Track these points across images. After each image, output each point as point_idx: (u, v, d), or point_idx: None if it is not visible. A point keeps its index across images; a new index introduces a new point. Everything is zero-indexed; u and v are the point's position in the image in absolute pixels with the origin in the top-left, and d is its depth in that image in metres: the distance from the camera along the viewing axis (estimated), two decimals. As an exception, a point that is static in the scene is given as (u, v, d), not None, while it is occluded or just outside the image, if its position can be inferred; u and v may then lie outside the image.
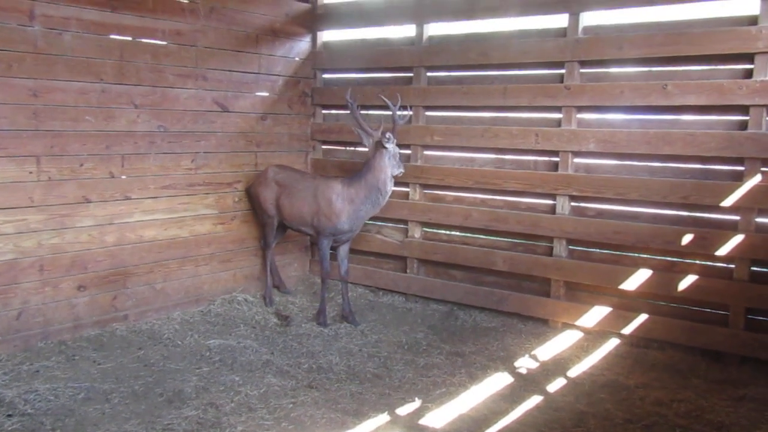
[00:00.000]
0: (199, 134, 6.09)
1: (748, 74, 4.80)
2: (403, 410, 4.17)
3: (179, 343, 5.27)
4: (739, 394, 4.36)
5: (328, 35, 7.10)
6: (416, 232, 6.55)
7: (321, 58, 7.04)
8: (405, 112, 5.89)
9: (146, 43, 5.65)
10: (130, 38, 5.53)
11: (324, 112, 7.18)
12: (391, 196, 6.61)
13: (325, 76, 7.13)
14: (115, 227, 5.52)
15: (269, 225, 6.24)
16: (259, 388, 4.42)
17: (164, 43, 5.77)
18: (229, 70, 6.28)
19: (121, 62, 5.44)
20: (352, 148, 6.99)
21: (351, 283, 6.52)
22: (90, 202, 5.35)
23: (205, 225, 6.22)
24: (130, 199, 5.61)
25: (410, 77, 6.46)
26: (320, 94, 7.10)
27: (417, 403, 4.27)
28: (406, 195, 6.57)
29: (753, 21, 4.74)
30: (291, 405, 4.19)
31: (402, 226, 6.66)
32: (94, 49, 5.27)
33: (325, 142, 7.19)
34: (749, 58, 4.77)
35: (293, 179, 6.08)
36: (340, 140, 7.04)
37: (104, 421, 3.92)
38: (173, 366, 4.80)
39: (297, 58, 6.93)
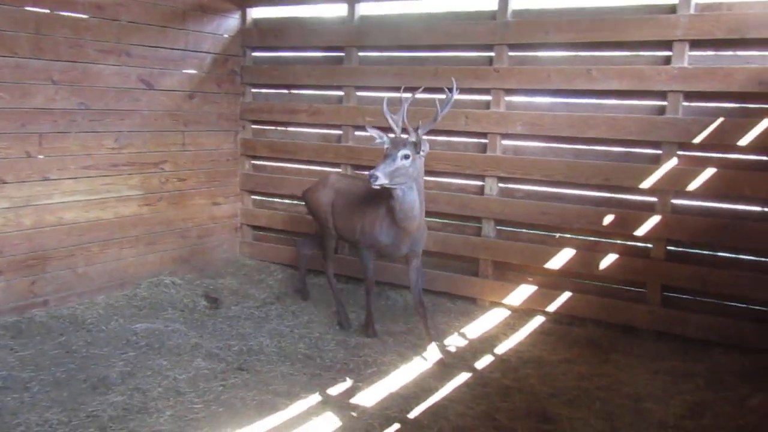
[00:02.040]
0: (122, 112, 5.88)
1: (667, 61, 4.98)
2: (335, 390, 4.19)
3: (103, 328, 5.12)
4: (655, 368, 4.57)
5: (258, 12, 6.95)
6: (347, 213, 6.54)
7: (251, 35, 6.90)
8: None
9: (65, 16, 5.40)
10: (47, 11, 5.27)
11: (254, 90, 7.05)
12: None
13: (255, 54, 7.00)
14: (32, 209, 5.29)
15: (328, 236, 5.55)
16: (188, 372, 4.36)
17: (85, 16, 5.52)
18: (155, 47, 6.08)
19: (37, 36, 5.19)
20: (283, 128, 6.91)
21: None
22: (5, 183, 5.10)
23: (130, 206, 6.04)
24: (49, 180, 5.38)
25: (341, 57, 6.41)
26: (250, 73, 6.97)
27: (348, 383, 4.30)
28: (337, 176, 6.55)
29: (672, 9, 4.91)
30: (221, 388, 4.15)
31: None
32: (6, 22, 4.99)
33: (255, 122, 7.07)
34: (668, 45, 4.95)
35: (352, 186, 5.42)
36: (270, 120, 6.94)
37: (23, 410, 3.78)
38: (97, 352, 4.67)
39: (226, 35, 6.77)
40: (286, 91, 6.90)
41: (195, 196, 6.66)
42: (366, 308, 5.25)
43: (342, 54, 6.40)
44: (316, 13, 6.64)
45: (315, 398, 4.06)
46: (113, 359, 4.54)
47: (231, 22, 6.80)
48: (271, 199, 7.11)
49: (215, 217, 6.90)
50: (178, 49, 6.29)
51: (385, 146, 4.58)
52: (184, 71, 6.43)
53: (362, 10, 6.29)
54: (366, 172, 6.35)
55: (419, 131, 4.55)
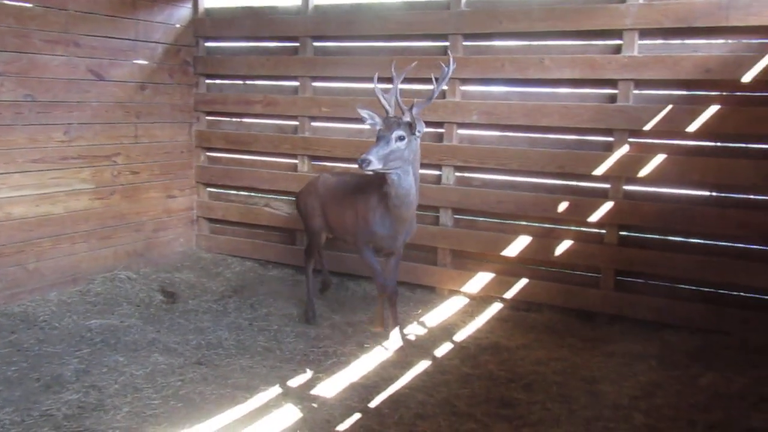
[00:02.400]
0: (72, 104, 5.74)
1: (617, 50, 5.07)
2: (295, 382, 4.18)
3: (56, 325, 5.01)
4: (609, 350, 4.67)
5: (210, 1, 6.85)
6: (305, 204, 6.51)
7: (203, 25, 6.79)
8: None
9: (8, 5, 5.23)
10: (-12, -1, 5.12)
11: (208, 81, 6.95)
12: (280, 168, 6.60)
13: (208, 44, 6.89)
14: (-22, 204, 5.15)
15: (314, 240, 5.41)
16: (145, 368, 4.29)
17: (30, 5, 5.37)
18: (104, 36, 5.93)
19: (-22, 25, 5.03)
20: (238, 119, 6.83)
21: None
22: (-51, 177, 4.95)
23: (81, 201, 5.90)
24: (-5, 174, 5.24)
25: (296, 47, 6.36)
26: (203, 63, 6.86)
27: (308, 374, 4.29)
28: (294, 167, 6.52)
29: (621, -1, 5.01)
30: (179, 383, 4.10)
31: (290, 198, 6.60)
32: (-56, 10, 4.84)
33: (209, 113, 6.98)
34: (618, 34, 5.04)
35: (341, 183, 5.16)
36: (225, 111, 6.85)
37: (-26, 410, 3.69)
38: (50, 349, 4.56)
39: (178, 25, 6.65)
40: (240, 81, 6.82)
41: (149, 189, 6.55)
42: (391, 311, 4.76)
43: (297, 44, 6.35)
44: (270, 3, 6.56)
45: (275, 390, 4.04)
46: (67, 357, 4.44)
47: (182, 12, 6.68)
48: (227, 191, 7.04)
49: (170, 210, 6.80)
50: (128, 39, 6.16)
51: (378, 128, 4.31)
52: (135, 62, 6.30)
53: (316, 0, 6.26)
54: (324, 164, 6.39)
55: (414, 110, 4.29)
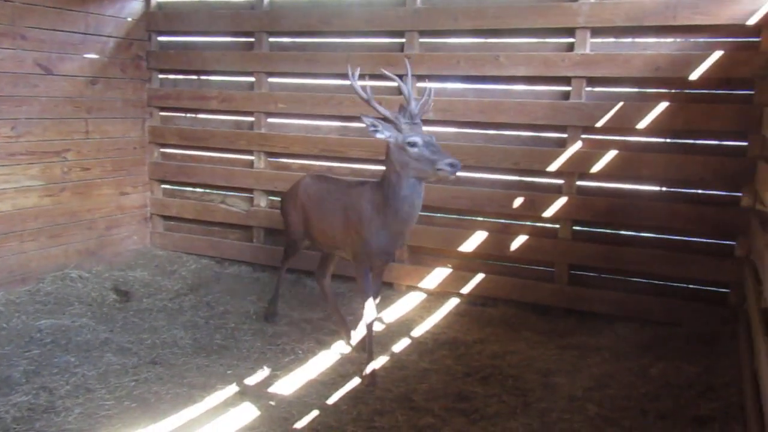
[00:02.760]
0: (19, 99, 5.58)
1: (570, 48, 5.15)
2: (252, 380, 4.15)
3: (4, 325, 4.87)
4: (564, 344, 4.76)
5: (163, -5, 6.74)
6: (262, 201, 6.46)
7: (156, 19, 6.67)
8: (423, 84, 4.37)
9: (-49, -4, 5.08)
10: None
11: (161, 76, 6.83)
12: (236, 165, 6.53)
13: (161, 38, 6.78)
14: None
15: (293, 246, 5.07)
16: (98, 368, 4.21)
17: (-27, -3, 5.21)
18: (53, 29, 5.78)
19: None
20: (193, 115, 6.74)
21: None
22: None
23: (30, 198, 5.75)
24: (-61, 170, 5.07)
25: (252, 42, 6.30)
26: (156, 58, 6.74)
27: (266, 372, 4.27)
28: (250, 163, 6.45)
29: (574, -3, 5.09)
30: (133, 383, 4.04)
31: (247, 195, 6.54)
32: None
33: (163, 109, 6.86)
34: (571, 32, 5.12)
35: (327, 189, 4.71)
36: (179, 107, 6.75)
37: None
38: (-2, 350, 4.45)
39: (129, 19, 6.52)
40: (195, 77, 6.72)
41: (101, 186, 6.41)
42: (367, 346, 4.31)
43: (252, 39, 6.29)
44: (225, -3, 6.49)
45: (232, 389, 4.01)
46: (16, 358, 4.32)
47: (134, 5, 6.55)
48: (182, 188, 6.93)
49: (123, 208, 6.67)
50: (77, 33, 6.01)
51: (418, 138, 3.91)
52: (85, 56, 6.15)
53: (272, -6, 6.20)
54: (281, 160, 6.34)
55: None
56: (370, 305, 4.35)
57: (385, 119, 4.05)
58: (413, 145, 3.90)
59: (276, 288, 5.29)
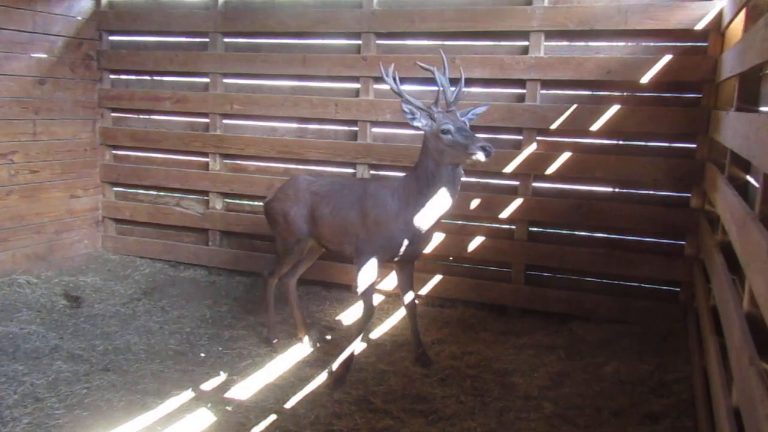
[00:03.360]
0: (-37, 99, 5.41)
1: (525, 51, 5.22)
2: (208, 385, 4.09)
3: (-52, 334, 4.71)
4: (520, 343, 4.81)
5: (114, -6, 6.60)
6: (218, 203, 6.38)
7: (107, 18, 6.53)
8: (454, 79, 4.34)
9: None
10: None
11: (112, 77, 6.69)
12: (191, 167, 6.43)
13: (113, 38, 6.63)
14: None
15: (291, 251, 4.75)
16: (47, 376, 4.09)
17: None
18: (-2, 28, 5.63)
19: None
20: (146, 116, 6.61)
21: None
22: None
23: (-24, 201, 5.58)
24: None
25: (206, 43, 6.21)
26: (107, 58, 6.59)
27: (222, 377, 4.21)
28: (206, 165, 6.36)
29: (528, 1, 5.15)
30: (85, 391, 3.94)
31: (203, 197, 6.45)
32: None
33: (115, 110, 6.71)
34: (525, 35, 5.19)
35: (339, 184, 4.64)
36: (132, 108, 6.62)
37: None
38: (-58, 360, 4.29)
39: (79, 18, 6.36)
40: (148, 77, 6.60)
41: (50, 189, 6.24)
42: (411, 325, 4.50)
43: (207, 40, 6.20)
44: (178, -4, 6.40)
45: (187, 395, 3.94)
46: (-39, 368, 4.18)
47: (84, 4, 6.40)
48: (135, 190, 6.79)
49: (74, 211, 6.50)
50: (25, 31, 5.85)
51: (450, 125, 3.94)
52: (32, 55, 5.99)
53: (226, -6, 6.13)
54: (237, 162, 6.26)
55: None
56: (365, 302, 4.34)
57: (419, 109, 4.12)
58: (446, 132, 3.95)
59: (269, 303, 4.91)
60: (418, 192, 4.13)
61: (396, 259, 4.39)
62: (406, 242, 4.23)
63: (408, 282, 4.55)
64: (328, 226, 4.51)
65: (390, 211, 4.23)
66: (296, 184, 4.71)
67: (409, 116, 4.10)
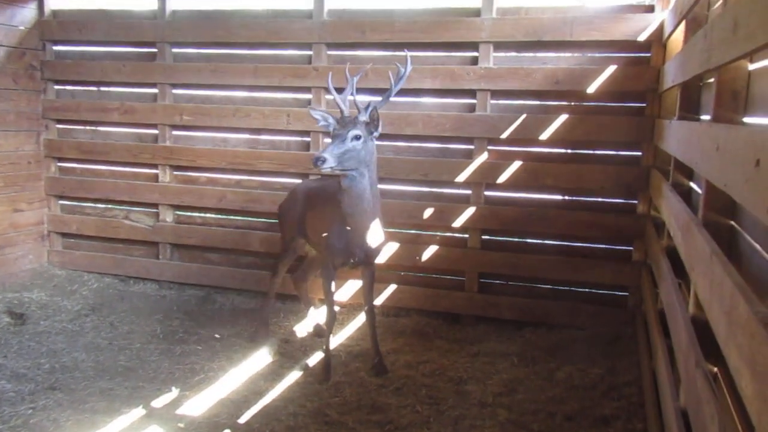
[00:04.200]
0: None
1: (475, 61, 5.29)
2: (159, 402, 4.00)
3: None
4: (475, 351, 4.84)
5: (58, 3, 6.43)
6: (168, 216, 6.27)
7: (50, 27, 6.37)
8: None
9: None
10: None
11: (57, 87, 6.52)
12: (140, 179, 6.32)
13: (57, 48, 6.48)
14: None
15: (288, 253, 5.05)
16: (-10, 397, 3.96)
17: None
18: (-64, 38, 5.44)
19: None
20: (93, 128, 6.47)
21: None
22: None
23: None
24: None
25: (154, 53, 6.12)
26: (52, 68, 6.43)
27: (174, 393, 4.13)
28: (155, 177, 6.25)
29: (477, 13, 5.22)
30: (30, 411, 3.81)
31: (152, 210, 6.33)
32: None
33: (60, 121, 6.55)
34: (475, 46, 5.26)
35: (321, 189, 4.77)
36: (78, 119, 6.46)
37: None
38: None
39: (21, 27, 6.20)
40: (94, 88, 6.46)
41: (-8, 203, 6.05)
42: (371, 334, 4.59)
43: (154, 50, 6.11)
44: (124, 6, 6.28)
45: (138, 412, 3.85)
46: None
47: (26, 13, 6.24)
48: (82, 203, 6.63)
49: (17, 225, 6.31)
50: (-36, 41, 5.67)
51: (332, 128, 4.09)
52: (-27, 65, 5.81)
53: (173, 4, 6.04)
54: (187, 173, 6.17)
55: (370, 110, 4.10)
56: (329, 307, 4.52)
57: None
58: None
59: (266, 301, 5.18)
60: None
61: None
62: (340, 250, 4.37)
63: (366, 285, 4.63)
64: (311, 229, 4.68)
65: (329, 218, 4.40)
66: (297, 187, 5.02)
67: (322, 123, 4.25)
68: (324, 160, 3.87)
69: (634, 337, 4.77)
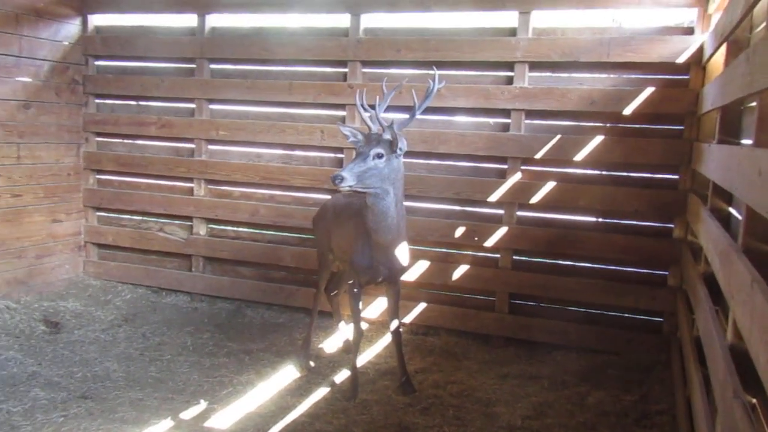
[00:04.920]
0: (-55, 122, 5.37)
1: (509, 81, 5.27)
2: (188, 414, 4.02)
3: (-77, 360, 4.62)
4: (504, 372, 4.79)
5: (101, 20, 6.60)
6: (201, 229, 6.34)
7: (93, 43, 6.54)
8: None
9: None
10: None
11: (98, 101, 6.67)
12: (175, 192, 6.41)
13: (99, 63, 6.63)
14: None
15: (324, 266, 5.03)
16: (24, 404, 4.02)
17: None
18: (-16, 52, 5.61)
19: None
20: (131, 141, 6.59)
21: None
22: None
23: (-44, 225, 5.51)
24: None
25: (192, 69, 6.23)
26: (93, 83, 6.59)
27: (202, 406, 4.15)
28: (190, 191, 6.34)
29: (512, 33, 5.21)
30: (62, 419, 3.86)
31: (186, 223, 6.41)
32: None
33: (100, 134, 6.69)
34: (510, 66, 5.25)
35: (346, 204, 4.72)
36: (117, 132, 6.60)
37: None
38: None
39: (66, 42, 6.37)
40: (133, 102, 6.59)
41: (32, 213, 6.18)
42: (397, 354, 4.55)
43: (193, 66, 6.22)
44: (164, 23, 6.41)
45: (166, 424, 3.88)
46: (-66, 395, 4.10)
47: (71, 29, 6.40)
48: (118, 215, 6.74)
49: (56, 236, 6.44)
50: (10, 56, 5.84)
51: (358, 144, 4.10)
52: (17, 79, 5.97)
53: (213, 21, 6.15)
54: (221, 187, 6.25)
55: (394, 127, 4.07)
56: (356, 323, 4.53)
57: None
58: None
59: (312, 319, 5.10)
60: None
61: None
62: (364, 268, 4.37)
63: (390, 302, 4.62)
64: (336, 241, 4.69)
65: (354, 235, 4.41)
66: (328, 202, 5.05)
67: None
68: (342, 179, 3.87)
69: (669, 365, 4.66)
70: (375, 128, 4.27)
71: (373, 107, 4.35)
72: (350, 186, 3.91)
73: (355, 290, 4.45)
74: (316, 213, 5.12)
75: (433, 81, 4.31)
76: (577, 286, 5.19)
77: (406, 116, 4.32)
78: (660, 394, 4.27)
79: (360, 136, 4.16)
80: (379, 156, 4.00)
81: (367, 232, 4.21)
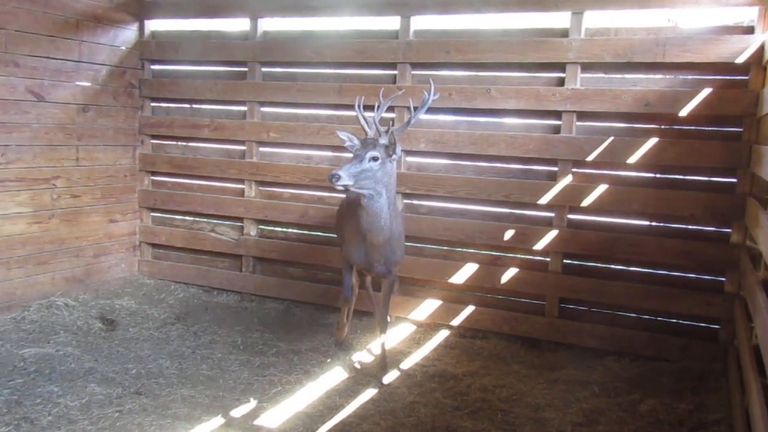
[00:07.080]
0: (10, 125, 5.56)
1: (561, 82, 5.20)
2: (238, 412, 4.09)
3: (-13, 354, 4.80)
4: (554, 377, 4.72)
5: (157, 25, 6.77)
6: (252, 230, 6.44)
7: (149, 48, 6.71)
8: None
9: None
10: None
11: (153, 104, 6.84)
12: (227, 193, 6.53)
13: (154, 67, 6.80)
14: None
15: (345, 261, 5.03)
16: (81, 398, 4.14)
17: (-33, 23, 5.21)
18: (46, 57, 5.79)
19: None
20: (185, 143, 6.74)
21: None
22: None
23: (18, 224, 5.70)
24: (-73, 195, 5.02)
25: (245, 72, 6.33)
26: (149, 86, 6.76)
27: (252, 404, 4.20)
28: (241, 192, 6.44)
29: (564, 33, 5.15)
30: (117, 414, 3.96)
31: (237, 223, 6.52)
32: None
33: (155, 137, 6.86)
34: (561, 67, 5.18)
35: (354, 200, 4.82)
36: (171, 135, 6.75)
37: None
38: (-20, 380, 4.37)
39: (123, 47, 6.55)
40: (187, 105, 6.73)
41: (90, 213, 6.37)
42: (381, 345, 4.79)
43: (245, 69, 6.32)
44: (218, 27, 6.53)
45: (217, 421, 3.94)
46: (-2, 388, 4.25)
47: (128, 34, 6.58)
48: (171, 215, 6.90)
49: (112, 235, 6.62)
50: (71, 60, 6.03)
51: (354, 148, 4.30)
52: (77, 83, 6.16)
53: (265, 25, 6.24)
54: (271, 189, 6.34)
55: (391, 133, 4.27)
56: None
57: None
58: None
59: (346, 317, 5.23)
60: None
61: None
62: (360, 263, 4.69)
63: (382, 294, 4.89)
64: (342, 234, 4.91)
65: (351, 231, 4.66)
66: (344, 198, 5.13)
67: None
68: (338, 177, 4.03)
69: (725, 373, 4.53)
70: (371, 133, 4.44)
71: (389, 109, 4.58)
72: (345, 185, 4.09)
73: (351, 288, 4.94)
74: (339, 209, 5.26)
75: (429, 92, 4.49)
76: (629, 290, 5.09)
77: (401, 125, 4.51)
78: (716, 404, 4.16)
79: (356, 141, 4.34)
80: (374, 159, 4.19)
81: (361, 229, 4.42)
